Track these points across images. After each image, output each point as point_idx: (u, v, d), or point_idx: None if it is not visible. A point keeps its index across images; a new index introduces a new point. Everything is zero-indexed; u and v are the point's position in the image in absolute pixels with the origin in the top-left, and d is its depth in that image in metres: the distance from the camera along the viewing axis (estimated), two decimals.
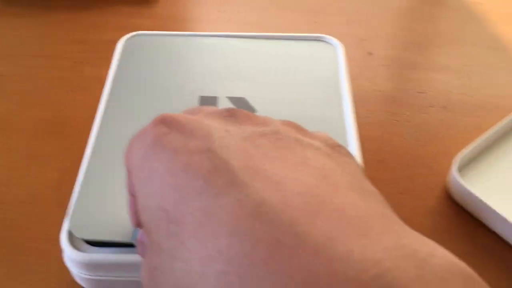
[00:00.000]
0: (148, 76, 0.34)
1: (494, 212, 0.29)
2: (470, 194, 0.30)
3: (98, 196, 0.27)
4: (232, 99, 0.33)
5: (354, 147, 0.30)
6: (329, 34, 0.38)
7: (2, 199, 0.32)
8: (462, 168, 0.33)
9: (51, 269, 0.28)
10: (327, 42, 0.37)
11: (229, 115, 0.18)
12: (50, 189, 0.32)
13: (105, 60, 0.40)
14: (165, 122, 0.17)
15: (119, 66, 0.35)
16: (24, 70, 0.41)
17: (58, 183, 0.32)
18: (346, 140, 0.30)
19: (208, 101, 0.32)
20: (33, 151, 0.34)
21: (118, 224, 0.26)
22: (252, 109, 0.32)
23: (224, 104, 0.32)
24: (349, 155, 0.18)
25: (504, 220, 0.29)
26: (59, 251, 0.26)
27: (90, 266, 0.25)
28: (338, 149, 0.18)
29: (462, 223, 0.31)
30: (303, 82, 0.34)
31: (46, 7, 0.47)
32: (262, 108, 0.32)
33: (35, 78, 0.40)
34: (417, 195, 0.32)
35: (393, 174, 0.34)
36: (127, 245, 0.25)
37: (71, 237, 0.25)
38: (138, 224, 0.19)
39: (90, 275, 0.25)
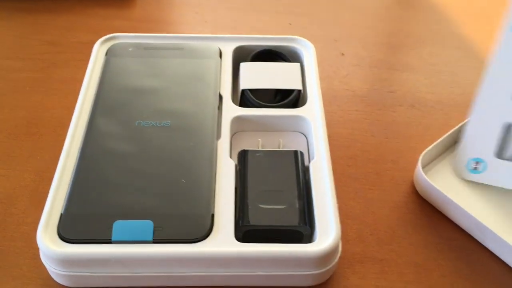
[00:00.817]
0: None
1: (455, 205, 0.30)
2: (433, 188, 0.31)
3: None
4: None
5: (322, 144, 0.31)
6: (304, 35, 0.39)
7: None
8: (427, 164, 0.34)
9: (28, 267, 0.28)
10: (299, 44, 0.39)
11: None
12: (26, 189, 0.32)
13: (80, 62, 0.41)
14: None
15: (96, 68, 0.36)
16: None
17: (34, 183, 0.33)
18: (316, 137, 0.32)
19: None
20: (9, 152, 0.35)
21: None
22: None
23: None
24: None
25: (463, 212, 0.30)
26: (36, 248, 0.27)
27: (66, 263, 0.25)
28: None
29: (427, 215, 0.32)
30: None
31: (19, 8, 0.47)
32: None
33: (9, 80, 0.40)
34: (384, 189, 0.34)
35: (363, 169, 0.35)
36: (103, 242, 0.26)
37: (47, 235, 0.26)
38: None
39: (66, 272, 0.26)
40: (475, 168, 0.32)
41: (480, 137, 0.32)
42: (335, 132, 0.37)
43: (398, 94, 0.41)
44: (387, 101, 0.40)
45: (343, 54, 0.45)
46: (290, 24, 0.48)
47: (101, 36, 0.39)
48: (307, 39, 0.39)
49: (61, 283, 0.27)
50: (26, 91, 0.39)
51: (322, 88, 0.36)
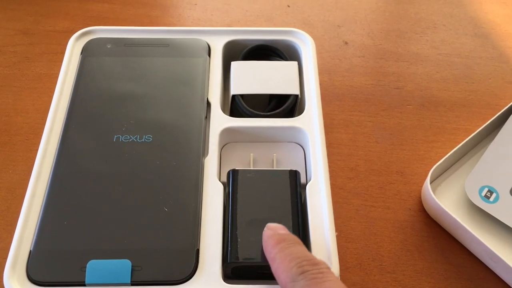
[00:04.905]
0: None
1: (465, 230, 0.28)
2: (443, 210, 0.28)
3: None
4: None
5: (321, 161, 0.28)
6: (303, 21, 0.35)
7: None
8: (436, 177, 0.31)
9: None
10: (297, 38, 0.35)
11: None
12: None
13: (56, 55, 0.37)
14: None
15: (70, 69, 0.32)
16: None
17: (6, 202, 0.30)
18: (314, 152, 0.28)
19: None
20: None
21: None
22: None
23: None
24: None
25: (474, 238, 0.27)
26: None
27: None
28: None
29: (434, 237, 0.30)
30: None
31: None
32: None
33: None
34: (388, 207, 0.31)
35: (365, 183, 0.32)
36: (76, 284, 0.23)
37: (15, 275, 0.23)
38: None
39: None
40: (487, 197, 0.29)
41: (498, 168, 0.29)
42: (336, 138, 0.34)
43: (405, 90, 0.37)
44: (394, 100, 0.37)
45: (346, 43, 0.40)
46: (288, 6, 0.43)
47: (78, 24, 0.35)
48: (307, 25, 0.34)
49: None
50: None
51: (322, 84, 0.32)
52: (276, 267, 0.21)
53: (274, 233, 0.23)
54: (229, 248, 0.25)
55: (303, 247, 0.22)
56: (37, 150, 0.27)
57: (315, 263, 0.21)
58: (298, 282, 0.20)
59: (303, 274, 0.20)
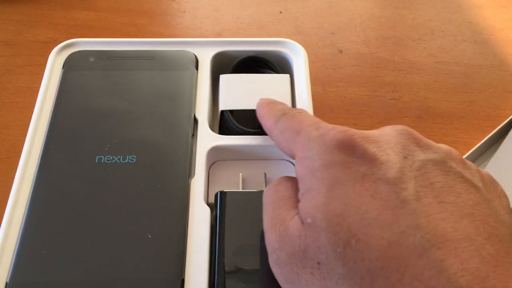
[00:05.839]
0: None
1: None
2: None
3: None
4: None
5: None
6: (296, 27, 0.34)
7: None
8: None
9: None
10: (288, 48, 0.33)
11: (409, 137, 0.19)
12: None
13: (38, 67, 0.36)
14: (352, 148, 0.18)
15: (51, 85, 0.31)
16: None
17: None
18: None
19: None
20: None
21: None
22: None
23: None
24: (502, 191, 0.18)
25: None
26: None
27: None
28: (493, 185, 0.18)
29: None
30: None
31: None
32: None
33: None
34: None
35: None
36: None
37: None
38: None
39: None
40: None
41: (500, 183, 0.28)
42: None
43: (402, 101, 0.36)
44: (390, 111, 0.35)
45: (341, 51, 0.39)
46: (280, 12, 0.42)
47: (62, 33, 0.33)
48: (300, 33, 0.33)
49: None
50: None
51: (315, 96, 0.31)
52: (265, 121, 0.25)
53: (265, 100, 0.26)
54: (216, 278, 0.24)
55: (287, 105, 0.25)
56: (16, 169, 0.26)
57: (297, 109, 0.24)
58: (280, 121, 0.23)
59: (285, 115, 0.23)
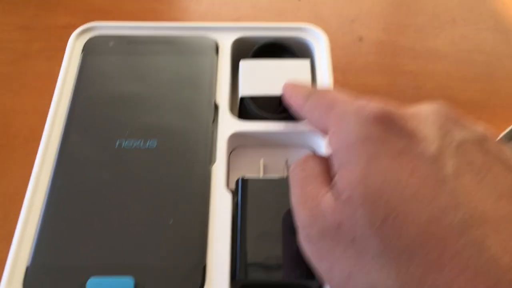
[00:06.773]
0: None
1: None
2: None
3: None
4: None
5: None
6: (315, 15, 0.33)
7: None
8: None
9: None
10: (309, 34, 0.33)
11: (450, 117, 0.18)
12: None
13: (57, 51, 0.35)
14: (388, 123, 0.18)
15: (71, 69, 0.30)
16: None
17: (4, 210, 0.29)
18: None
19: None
20: None
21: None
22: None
23: None
24: None
25: None
26: None
27: None
28: None
29: None
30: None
31: None
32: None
33: None
34: None
35: None
36: None
37: None
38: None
39: None
40: None
41: None
42: None
43: (425, 90, 0.35)
44: (412, 101, 0.34)
45: (361, 39, 0.38)
46: (299, 0, 0.41)
47: (79, 18, 0.33)
48: (319, 19, 0.32)
49: None
50: None
51: (335, 84, 0.30)
52: (293, 100, 0.24)
53: (291, 82, 0.26)
54: (237, 264, 0.23)
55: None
56: (36, 154, 0.26)
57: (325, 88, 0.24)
58: (311, 98, 0.23)
59: (315, 92, 0.23)
